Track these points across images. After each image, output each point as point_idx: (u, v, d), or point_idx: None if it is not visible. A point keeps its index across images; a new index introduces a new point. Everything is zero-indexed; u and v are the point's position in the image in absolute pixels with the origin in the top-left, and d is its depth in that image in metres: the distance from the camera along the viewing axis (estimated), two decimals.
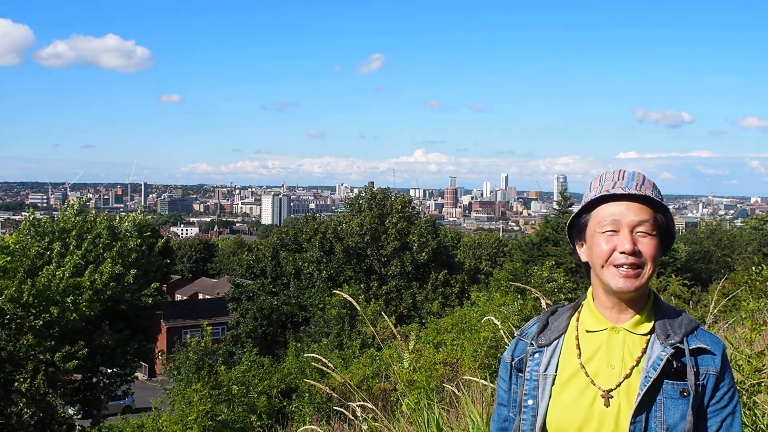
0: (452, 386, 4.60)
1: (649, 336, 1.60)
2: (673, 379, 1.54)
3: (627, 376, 1.57)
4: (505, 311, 8.97)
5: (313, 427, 4.13)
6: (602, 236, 1.59)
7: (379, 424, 3.58)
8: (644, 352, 1.58)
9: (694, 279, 19.35)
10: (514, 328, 5.79)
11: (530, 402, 1.66)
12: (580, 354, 1.64)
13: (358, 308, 3.83)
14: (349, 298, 3.72)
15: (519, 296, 10.16)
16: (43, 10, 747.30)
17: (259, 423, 9.72)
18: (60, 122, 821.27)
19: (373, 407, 3.75)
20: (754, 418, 2.69)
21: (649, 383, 1.53)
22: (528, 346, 1.72)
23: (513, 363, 1.75)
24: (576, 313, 1.72)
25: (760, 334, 3.10)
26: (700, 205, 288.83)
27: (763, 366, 2.71)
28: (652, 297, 1.65)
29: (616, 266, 1.56)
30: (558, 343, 1.68)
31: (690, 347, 1.56)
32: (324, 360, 3.41)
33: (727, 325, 4.28)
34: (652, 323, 1.61)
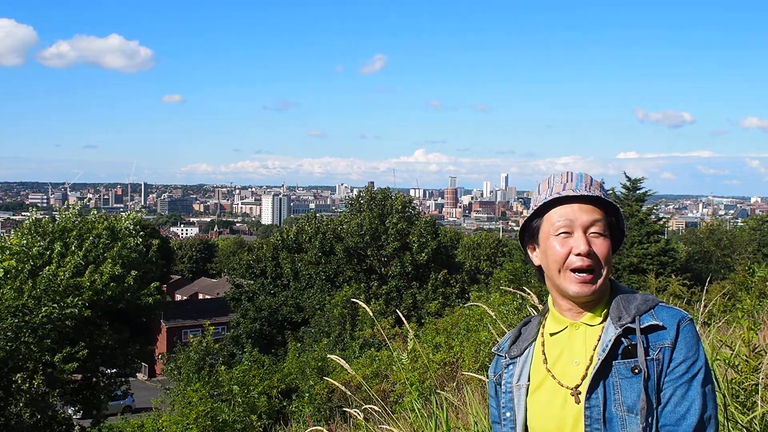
0: (452, 386, 4.61)
1: (605, 323, 1.59)
2: (625, 359, 1.52)
3: (588, 368, 1.56)
4: (504, 310, 8.97)
5: (319, 428, 4.13)
6: (556, 239, 1.59)
7: (387, 426, 3.58)
8: (600, 339, 1.58)
9: (694, 279, 19.29)
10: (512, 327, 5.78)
11: (508, 414, 1.68)
12: (545, 359, 1.64)
13: (369, 312, 3.81)
14: (362, 304, 3.69)
15: (519, 296, 10.13)
16: (46, 11, 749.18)
17: (259, 423, 9.72)
18: (62, 122, 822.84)
19: (383, 405, 3.75)
20: (752, 421, 2.69)
21: (598, 365, 1.52)
22: (502, 360, 1.74)
23: (495, 379, 1.76)
24: (543, 319, 1.73)
25: (757, 334, 3.11)
26: (700, 205, 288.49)
27: (760, 365, 2.71)
28: (609, 288, 1.64)
29: (573, 270, 1.56)
30: (528, 351, 1.70)
31: (642, 326, 1.53)
32: (341, 361, 3.39)
33: (720, 323, 4.29)
34: (607, 311, 1.61)
